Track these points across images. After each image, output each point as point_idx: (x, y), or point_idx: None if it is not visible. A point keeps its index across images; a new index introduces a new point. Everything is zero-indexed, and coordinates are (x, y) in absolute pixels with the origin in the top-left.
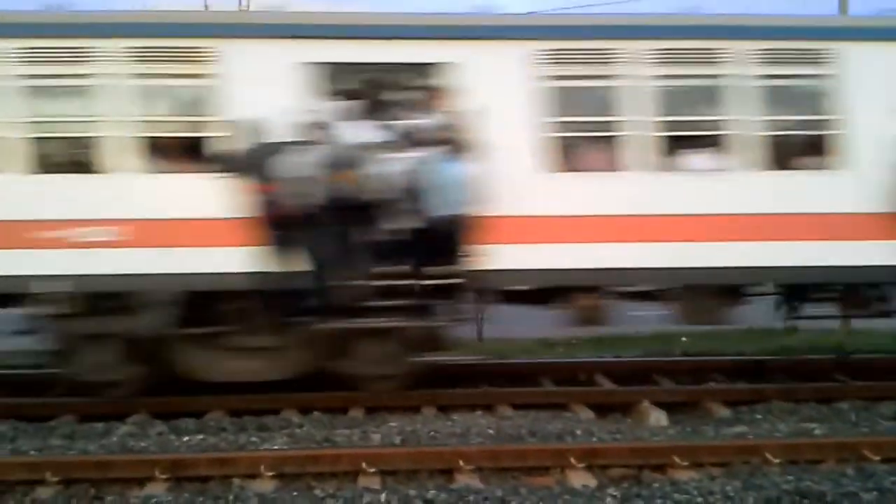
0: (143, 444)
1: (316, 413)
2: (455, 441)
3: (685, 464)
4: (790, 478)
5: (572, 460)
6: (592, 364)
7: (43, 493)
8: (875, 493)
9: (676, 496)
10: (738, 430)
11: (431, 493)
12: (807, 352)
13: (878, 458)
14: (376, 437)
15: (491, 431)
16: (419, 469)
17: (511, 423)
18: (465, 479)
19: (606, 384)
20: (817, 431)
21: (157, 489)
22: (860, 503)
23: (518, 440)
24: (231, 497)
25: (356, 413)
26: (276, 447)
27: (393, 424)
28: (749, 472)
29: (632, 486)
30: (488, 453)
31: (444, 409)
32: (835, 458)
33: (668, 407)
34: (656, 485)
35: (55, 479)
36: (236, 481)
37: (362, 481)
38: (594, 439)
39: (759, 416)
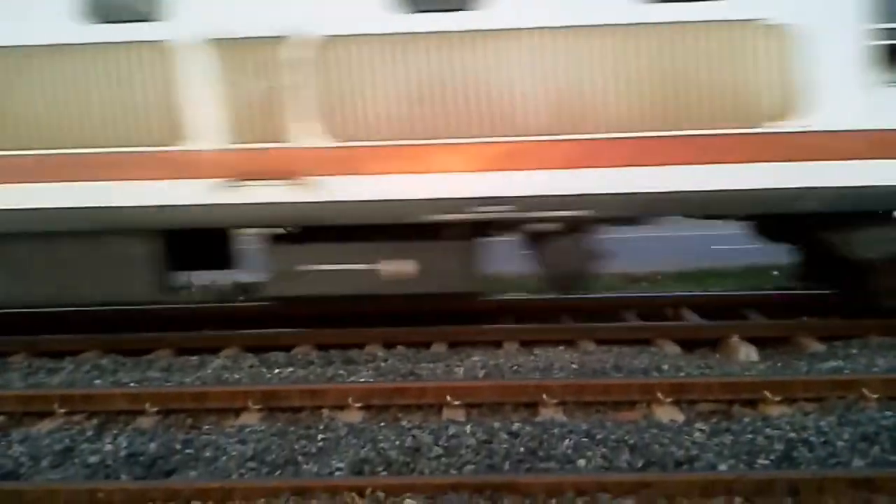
0: (236, 376)
1: (400, 347)
2: (538, 375)
3: (777, 399)
4: (889, 413)
5: (659, 395)
6: (680, 298)
7: (143, 422)
8: None
9: (767, 431)
10: (832, 364)
11: (516, 426)
12: None
13: None
14: (459, 371)
15: (574, 366)
16: (503, 402)
17: (595, 359)
18: (550, 413)
19: (694, 319)
20: None
21: (250, 419)
22: None
23: (602, 375)
24: (321, 426)
25: (439, 348)
26: (362, 380)
27: (476, 359)
28: (845, 407)
29: (721, 420)
30: (573, 387)
31: (527, 344)
32: None
33: (760, 342)
34: (747, 419)
35: (154, 409)
36: (325, 412)
37: (447, 414)
38: (682, 374)
39: (854, 351)
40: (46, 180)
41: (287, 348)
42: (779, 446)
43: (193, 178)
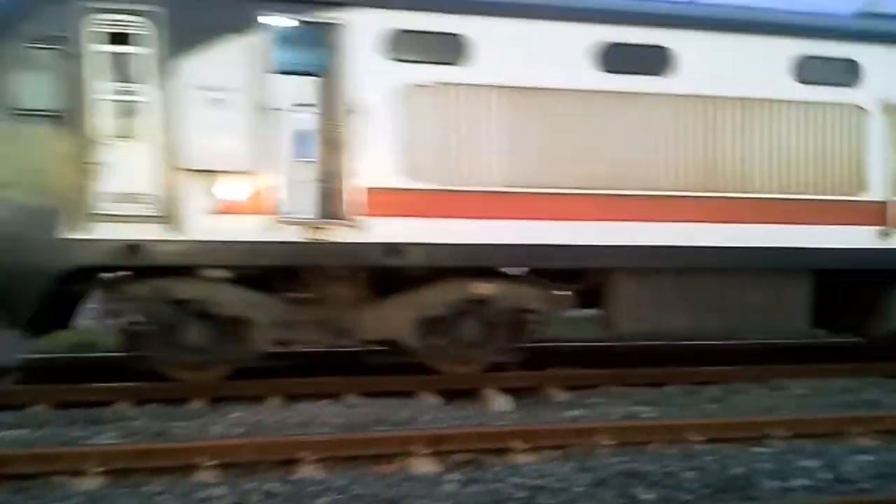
0: None
1: (153, 405)
2: (299, 431)
3: (525, 447)
4: (621, 458)
5: (417, 447)
6: None
7: None
8: (695, 471)
9: (514, 479)
10: (575, 412)
11: (272, 486)
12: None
13: (700, 438)
14: (216, 430)
15: (339, 420)
16: (261, 461)
17: (359, 412)
18: (310, 470)
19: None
20: (646, 414)
21: None
22: (681, 481)
23: (364, 428)
24: (53, 497)
25: (197, 405)
26: (105, 442)
27: (236, 415)
28: (585, 453)
29: (474, 470)
30: (332, 443)
31: (292, 398)
32: (662, 439)
33: (514, 392)
34: (497, 468)
35: None
36: (60, 479)
37: (200, 476)
38: (439, 426)
39: (595, 401)
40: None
41: (20, 407)
42: (523, 494)
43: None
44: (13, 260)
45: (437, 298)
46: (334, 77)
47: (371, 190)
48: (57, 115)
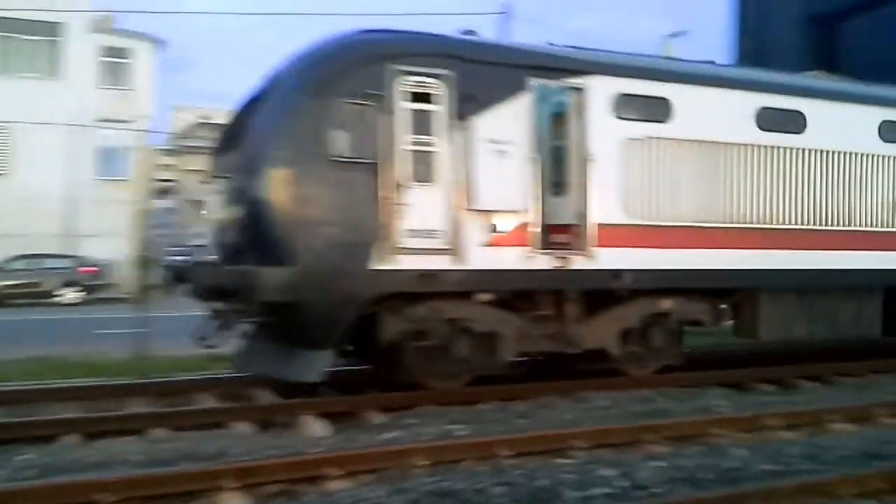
0: None
1: None
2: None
3: (340, 473)
4: (433, 478)
5: (226, 481)
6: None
7: None
8: (505, 486)
9: None
10: (392, 435)
11: None
12: None
13: (510, 453)
14: (2, 474)
15: (141, 458)
16: None
17: (164, 447)
18: None
19: (269, 398)
20: (460, 433)
21: None
22: (491, 497)
23: (169, 464)
24: None
25: None
26: None
27: (26, 457)
28: (399, 476)
29: (287, 500)
30: (128, 483)
31: (92, 436)
32: (473, 456)
33: (332, 417)
34: (311, 496)
35: None
36: None
37: None
38: (251, 457)
39: (411, 421)
40: None
41: None
42: None
43: None
44: (333, 288)
45: (633, 313)
46: (577, 130)
47: (600, 225)
48: (370, 163)
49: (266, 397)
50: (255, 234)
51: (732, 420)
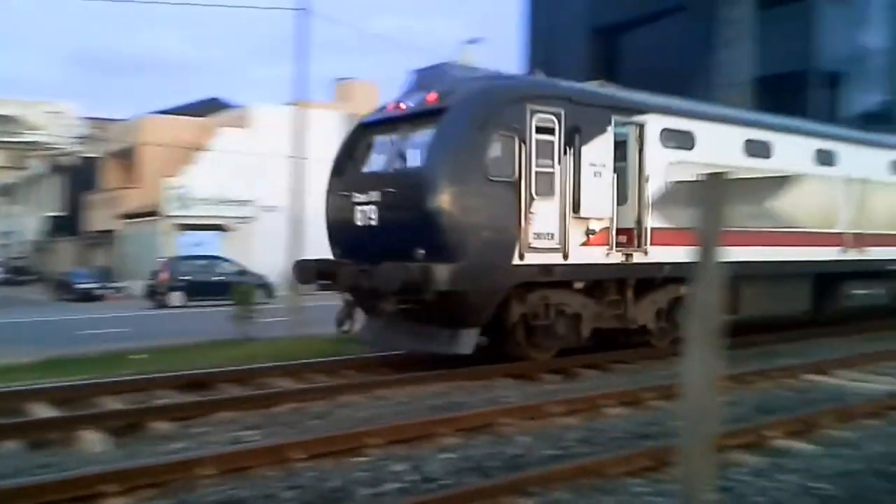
0: None
1: None
2: None
3: (118, 490)
4: (223, 488)
5: None
6: (33, 391)
7: None
8: (295, 490)
9: None
10: (180, 445)
11: None
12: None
13: (303, 456)
14: None
15: None
16: None
17: None
18: None
19: (46, 412)
20: (252, 438)
21: None
22: (281, 502)
23: None
24: None
25: None
26: None
27: None
28: (186, 488)
29: None
30: None
31: None
32: (265, 462)
33: (114, 430)
34: None
35: None
36: None
37: None
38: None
39: (201, 430)
40: None
41: None
42: None
43: None
44: (488, 280)
45: (663, 297)
46: (636, 155)
47: (653, 229)
48: (512, 181)
49: (41, 411)
50: (427, 238)
51: (518, 409)
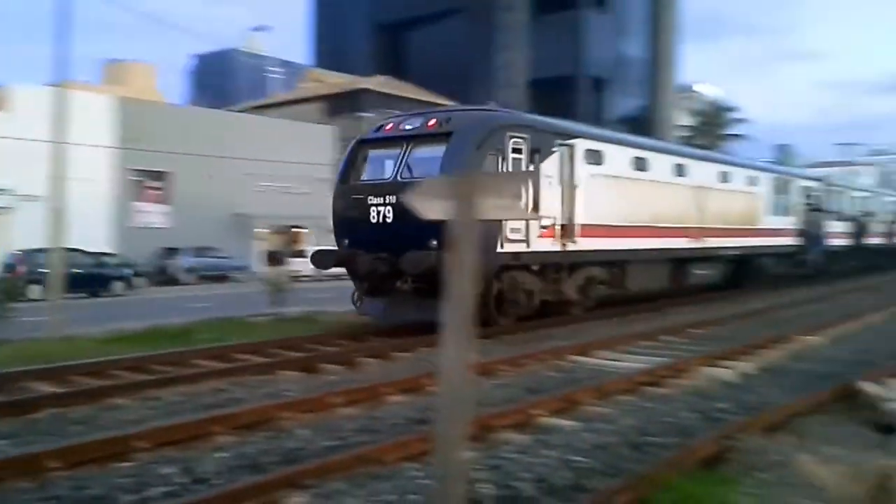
0: None
1: None
2: None
3: None
4: None
5: None
6: None
7: None
8: (50, 501)
9: None
10: None
11: None
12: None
13: (61, 465)
14: None
15: None
16: None
17: None
18: None
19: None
20: (4, 448)
21: None
22: None
23: None
24: None
25: None
26: None
27: None
28: None
29: None
30: None
31: None
32: (15, 474)
33: None
34: None
35: None
36: None
37: None
38: None
39: None
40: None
41: None
42: None
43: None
44: (483, 264)
45: (583, 275)
46: (570, 169)
47: (582, 225)
48: None
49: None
50: (440, 233)
51: (299, 402)
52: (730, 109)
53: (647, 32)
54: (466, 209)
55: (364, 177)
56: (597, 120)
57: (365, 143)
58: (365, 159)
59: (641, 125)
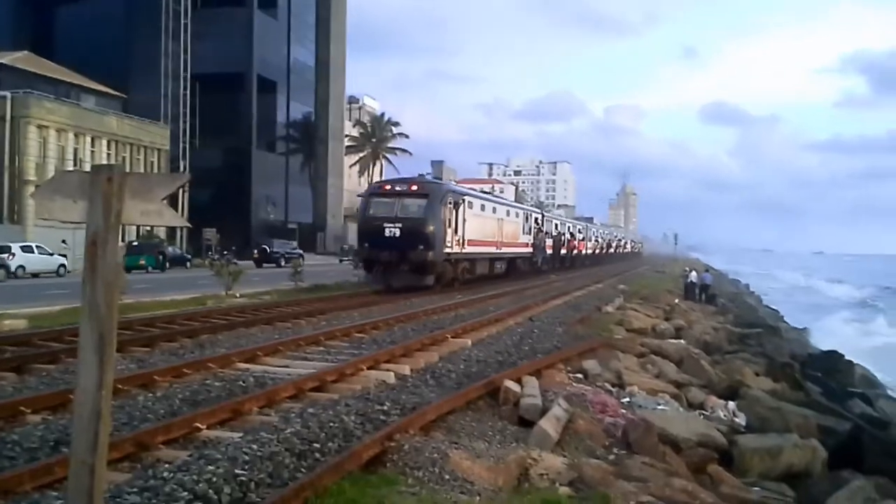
0: None
1: None
2: None
3: None
4: None
5: None
6: None
7: None
8: None
9: None
10: None
11: None
12: None
13: None
14: None
15: None
16: None
17: None
18: None
19: None
20: None
21: None
22: None
23: None
24: None
25: None
26: None
27: None
28: None
29: None
30: None
31: None
32: None
33: None
34: None
35: None
36: None
37: None
38: None
39: None
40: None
41: None
42: None
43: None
44: (441, 259)
45: (466, 264)
46: (465, 214)
47: (468, 240)
48: (446, 223)
49: None
50: (424, 243)
51: None
52: (394, 124)
53: (317, 40)
54: (110, 211)
55: (376, 213)
56: (267, 122)
57: (373, 195)
58: (373, 204)
59: (311, 132)
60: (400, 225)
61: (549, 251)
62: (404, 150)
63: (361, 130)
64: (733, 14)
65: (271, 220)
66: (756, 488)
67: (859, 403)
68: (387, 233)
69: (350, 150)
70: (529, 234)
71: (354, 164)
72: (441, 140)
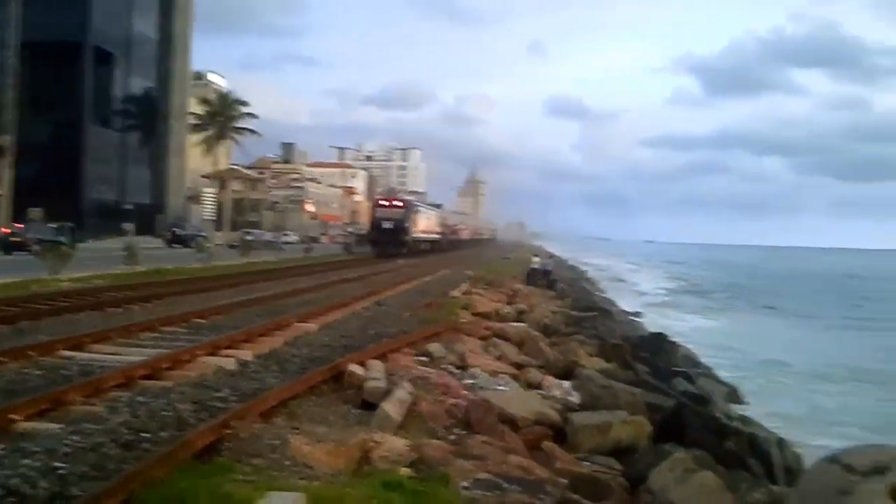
0: None
1: None
2: None
3: None
4: None
5: None
6: None
7: None
8: None
9: None
10: None
11: None
12: None
13: None
14: None
15: None
16: None
17: None
18: None
19: None
20: None
21: None
22: None
23: None
24: None
25: None
26: None
27: None
28: None
29: None
30: None
31: None
32: None
33: None
34: None
35: None
36: None
37: None
38: None
39: None
40: None
41: None
42: None
43: None
44: (414, 240)
45: (427, 243)
46: (416, 215)
47: (421, 230)
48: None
49: None
50: (403, 232)
51: None
52: (241, 103)
53: (161, 12)
54: None
55: (378, 215)
56: (103, 96)
57: (377, 205)
58: (378, 210)
59: (152, 108)
60: (392, 222)
61: (440, 236)
62: (252, 131)
63: (206, 108)
64: (578, 10)
65: (105, 200)
66: (587, 462)
67: (682, 382)
68: (384, 225)
69: (195, 128)
70: (437, 226)
71: (199, 143)
72: (292, 123)
